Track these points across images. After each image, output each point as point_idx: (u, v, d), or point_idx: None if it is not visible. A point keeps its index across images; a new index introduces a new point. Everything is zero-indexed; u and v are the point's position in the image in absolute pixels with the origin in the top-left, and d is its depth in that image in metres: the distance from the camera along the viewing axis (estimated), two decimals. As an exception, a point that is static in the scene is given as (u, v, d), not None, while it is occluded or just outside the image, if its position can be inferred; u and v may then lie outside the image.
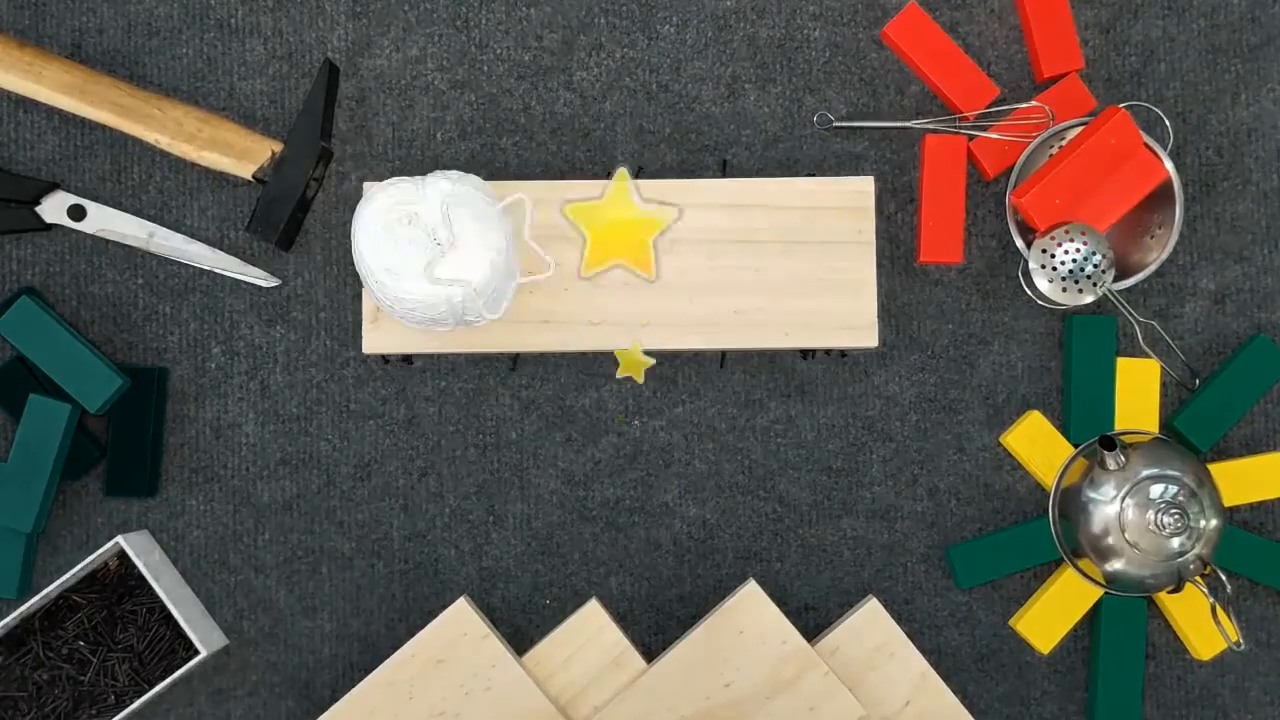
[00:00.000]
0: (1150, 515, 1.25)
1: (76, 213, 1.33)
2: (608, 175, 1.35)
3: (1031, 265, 1.31)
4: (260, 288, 1.35)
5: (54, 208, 1.33)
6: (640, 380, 1.31)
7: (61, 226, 1.34)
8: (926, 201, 1.34)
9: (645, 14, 1.37)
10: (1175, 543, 1.25)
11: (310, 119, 1.31)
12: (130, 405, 1.32)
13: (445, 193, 1.20)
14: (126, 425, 1.32)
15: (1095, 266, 1.30)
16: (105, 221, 1.33)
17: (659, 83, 1.36)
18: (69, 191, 1.34)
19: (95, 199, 1.35)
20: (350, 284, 1.35)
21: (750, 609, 1.27)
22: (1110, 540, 1.27)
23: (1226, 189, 1.38)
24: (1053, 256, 1.30)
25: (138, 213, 1.35)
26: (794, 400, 1.36)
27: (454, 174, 1.22)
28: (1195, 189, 1.37)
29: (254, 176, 1.31)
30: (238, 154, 1.30)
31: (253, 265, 1.34)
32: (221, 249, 1.35)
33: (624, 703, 1.27)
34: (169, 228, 1.35)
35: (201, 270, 1.35)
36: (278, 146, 1.31)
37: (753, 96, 1.37)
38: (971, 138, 1.35)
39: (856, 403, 1.36)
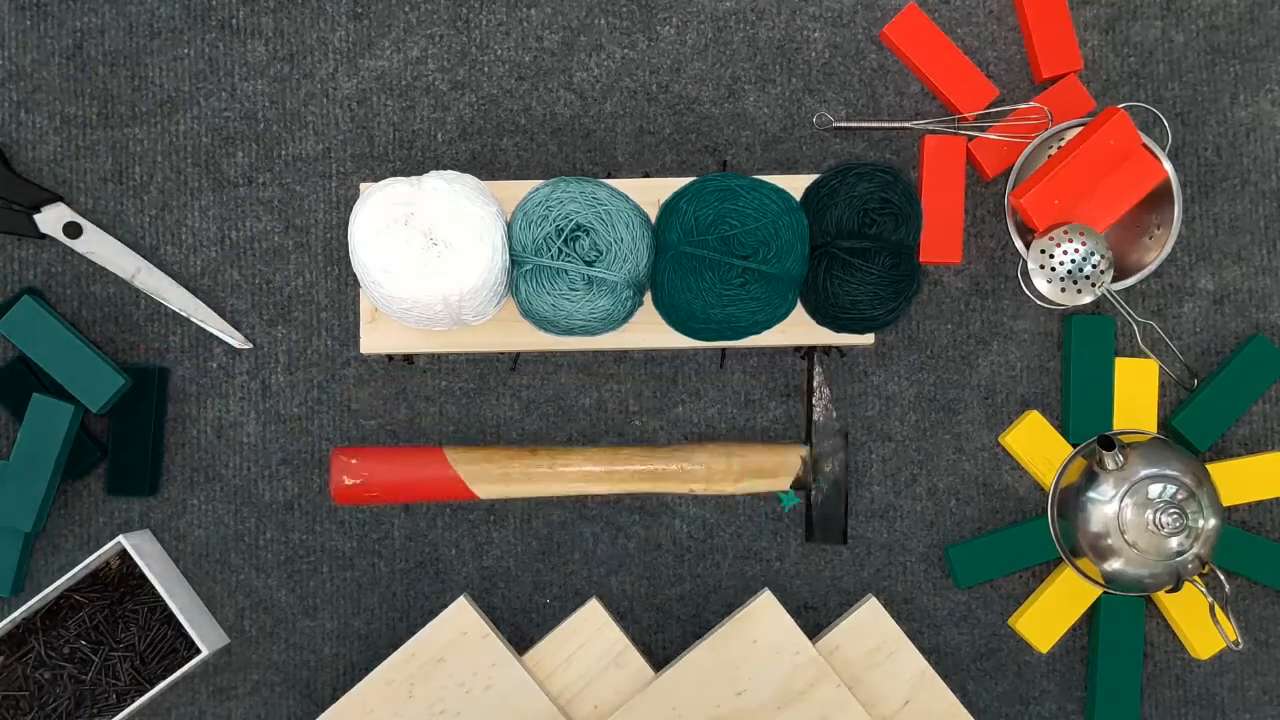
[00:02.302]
0: (1149, 515, 1.25)
1: (72, 230, 1.33)
2: (609, 175, 1.35)
3: (1030, 265, 1.31)
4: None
5: (51, 220, 1.33)
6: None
7: (55, 240, 1.34)
8: (926, 202, 1.34)
9: (645, 15, 1.37)
10: (1174, 542, 1.25)
11: (828, 429, 1.33)
12: (131, 405, 1.32)
13: (441, 193, 1.20)
14: (128, 425, 1.32)
15: (1094, 267, 1.31)
16: (98, 246, 1.33)
17: (659, 83, 1.37)
18: (70, 206, 1.34)
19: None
20: (351, 284, 1.36)
21: (765, 618, 1.27)
22: (1109, 540, 1.27)
23: (1225, 189, 1.38)
24: (1051, 257, 1.31)
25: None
26: (794, 400, 1.36)
27: (449, 174, 1.22)
28: (1194, 189, 1.38)
29: (791, 487, 1.32)
30: (771, 472, 1.31)
31: (229, 323, 1.34)
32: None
33: (634, 709, 1.27)
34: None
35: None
36: (804, 451, 1.32)
37: (752, 97, 1.37)
38: (971, 138, 1.36)
39: (856, 402, 1.36)
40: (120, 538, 1.27)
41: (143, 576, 1.30)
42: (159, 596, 1.29)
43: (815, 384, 1.31)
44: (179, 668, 1.28)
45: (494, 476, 1.29)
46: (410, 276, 1.19)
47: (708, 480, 1.31)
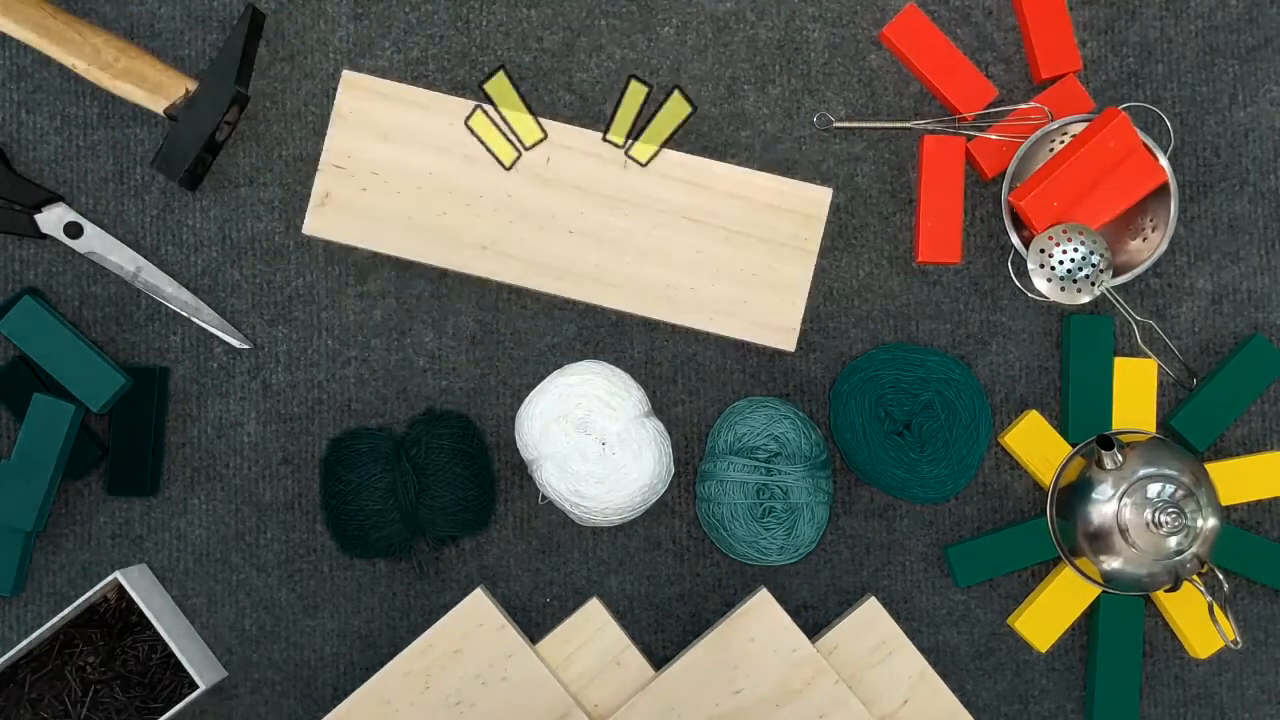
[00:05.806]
0: (1148, 514, 1.25)
1: (73, 230, 1.33)
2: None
3: (1030, 265, 1.31)
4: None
5: (52, 220, 1.33)
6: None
7: (56, 240, 1.34)
8: (925, 202, 1.35)
9: (645, 15, 1.37)
10: (1173, 542, 1.25)
11: (227, 61, 1.30)
12: (132, 404, 1.33)
13: (602, 399, 1.27)
14: (128, 424, 1.33)
15: (1094, 266, 1.31)
16: (99, 246, 1.33)
17: (659, 84, 1.37)
18: (71, 206, 1.34)
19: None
20: (352, 284, 1.36)
21: (762, 617, 1.28)
22: (1108, 539, 1.27)
23: (1224, 189, 1.38)
24: (1050, 256, 1.31)
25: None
26: (792, 400, 1.36)
27: (597, 365, 1.29)
28: (1192, 189, 1.38)
29: (166, 112, 1.30)
30: (151, 87, 1.29)
31: (229, 323, 1.34)
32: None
33: (633, 709, 1.27)
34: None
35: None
36: (192, 84, 1.30)
37: (752, 97, 1.37)
38: (970, 138, 1.36)
39: (855, 402, 1.36)
40: (117, 574, 1.26)
41: (139, 611, 1.28)
42: (155, 631, 1.27)
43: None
44: (177, 702, 1.27)
45: None
46: (587, 480, 1.27)
47: (90, 61, 1.29)
